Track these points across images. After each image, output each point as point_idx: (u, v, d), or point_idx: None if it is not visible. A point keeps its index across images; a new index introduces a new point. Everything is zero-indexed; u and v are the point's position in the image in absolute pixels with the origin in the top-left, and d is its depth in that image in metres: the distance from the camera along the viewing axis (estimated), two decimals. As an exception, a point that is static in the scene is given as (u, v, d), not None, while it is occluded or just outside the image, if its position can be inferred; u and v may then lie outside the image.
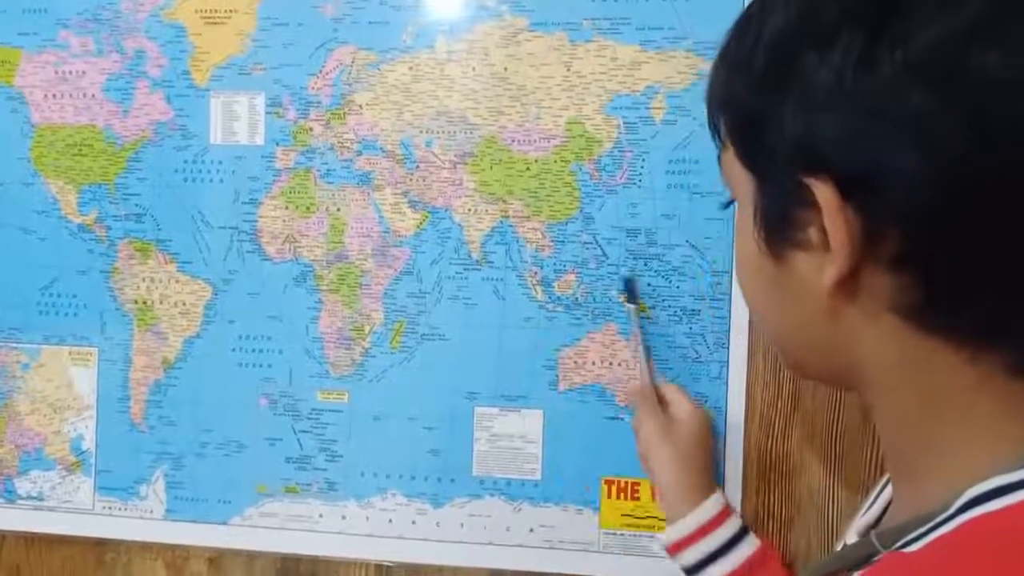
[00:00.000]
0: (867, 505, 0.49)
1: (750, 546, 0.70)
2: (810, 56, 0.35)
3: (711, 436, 0.75)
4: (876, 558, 0.39)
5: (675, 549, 0.70)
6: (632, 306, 0.77)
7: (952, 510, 0.35)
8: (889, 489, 0.46)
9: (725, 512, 0.71)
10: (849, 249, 0.35)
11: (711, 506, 0.70)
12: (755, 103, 0.38)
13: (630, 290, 0.77)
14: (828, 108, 0.35)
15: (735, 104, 0.41)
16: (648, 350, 0.77)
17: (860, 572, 0.39)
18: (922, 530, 0.36)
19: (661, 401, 0.75)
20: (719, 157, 0.44)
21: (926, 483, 0.38)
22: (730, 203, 0.45)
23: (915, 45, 0.33)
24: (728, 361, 0.78)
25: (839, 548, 0.48)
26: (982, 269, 0.34)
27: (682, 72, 0.77)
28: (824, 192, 0.35)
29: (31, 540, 0.88)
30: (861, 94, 0.34)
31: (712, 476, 0.74)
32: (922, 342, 0.36)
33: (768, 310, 0.44)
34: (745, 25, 0.40)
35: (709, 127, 0.44)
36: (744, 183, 0.41)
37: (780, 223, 0.39)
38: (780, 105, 0.37)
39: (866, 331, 0.38)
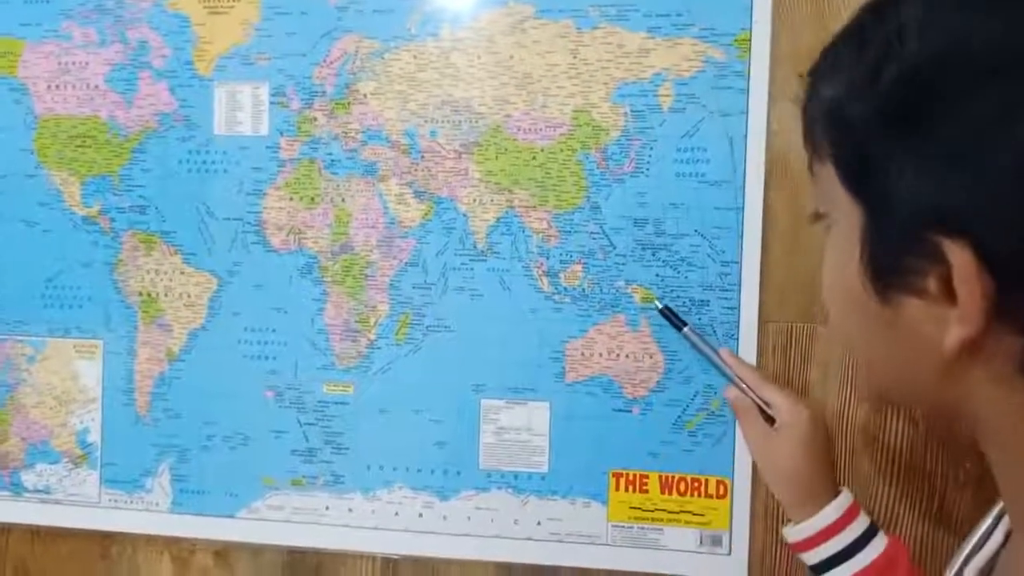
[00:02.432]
0: (970, 545, 0.46)
1: (876, 547, 0.65)
2: (946, 106, 0.32)
3: (822, 431, 0.69)
4: None
5: (797, 549, 0.68)
6: (686, 328, 0.75)
7: None
8: (1000, 531, 0.45)
9: (850, 513, 0.66)
10: (983, 315, 0.32)
11: (832, 512, 0.66)
12: (876, 140, 0.34)
13: (670, 318, 0.75)
14: (967, 167, 0.31)
15: (849, 133, 0.36)
16: (725, 360, 0.74)
17: None
18: None
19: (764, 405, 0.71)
20: (811, 166, 0.39)
21: None
22: (820, 218, 0.40)
23: None
24: (737, 352, 0.76)
25: None
26: None
27: (689, 59, 0.76)
28: (960, 256, 0.32)
29: (37, 533, 0.88)
30: (1006, 152, 0.30)
31: (830, 475, 0.69)
32: None
33: (868, 350, 0.40)
34: (863, 35, 0.36)
35: (804, 136, 0.39)
36: (848, 211, 0.37)
37: (894, 267, 0.35)
38: (906, 151, 0.33)
39: (989, 391, 0.35)
